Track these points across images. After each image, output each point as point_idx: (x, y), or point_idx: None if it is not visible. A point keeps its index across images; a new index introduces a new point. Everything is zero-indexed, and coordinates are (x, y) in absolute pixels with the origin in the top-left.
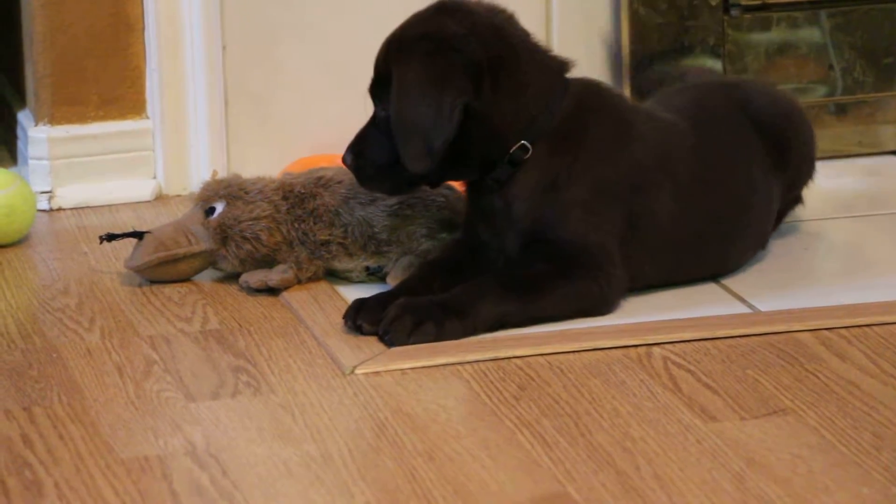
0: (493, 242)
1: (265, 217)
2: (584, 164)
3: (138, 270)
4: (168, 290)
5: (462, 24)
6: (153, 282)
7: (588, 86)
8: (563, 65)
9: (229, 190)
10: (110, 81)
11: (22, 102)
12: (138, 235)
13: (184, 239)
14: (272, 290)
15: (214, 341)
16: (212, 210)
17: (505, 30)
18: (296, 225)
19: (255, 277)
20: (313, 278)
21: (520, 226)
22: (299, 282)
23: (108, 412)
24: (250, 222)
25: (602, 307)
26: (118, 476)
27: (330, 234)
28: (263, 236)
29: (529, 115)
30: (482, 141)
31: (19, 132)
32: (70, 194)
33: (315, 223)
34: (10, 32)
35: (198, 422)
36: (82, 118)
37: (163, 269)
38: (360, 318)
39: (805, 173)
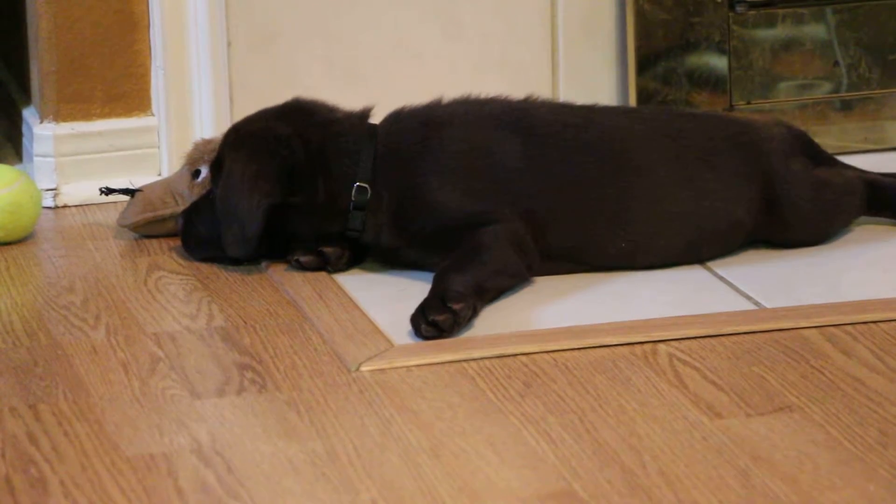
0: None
1: None
2: (412, 170)
3: (128, 227)
4: (174, 286)
5: (293, 124)
6: (145, 236)
7: (393, 116)
8: (363, 115)
9: (214, 155)
10: (115, 78)
11: (27, 99)
12: (130, 193)
13: (171, 199)
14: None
15: (220, 338)
16: (198, 173)
17: (322, 120)
18: None
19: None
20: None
21: (400, 238)
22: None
23: (113, 410)
24: None
25: (521, 242)
26: (124, 473)
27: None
28: None
29: (350, 178)
30: (318, 218)
31: (24, 129)
32: (75, 191)
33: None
34: (16, 29)
35: (203, 419)
36: (87, 115)
37: (150, 227)
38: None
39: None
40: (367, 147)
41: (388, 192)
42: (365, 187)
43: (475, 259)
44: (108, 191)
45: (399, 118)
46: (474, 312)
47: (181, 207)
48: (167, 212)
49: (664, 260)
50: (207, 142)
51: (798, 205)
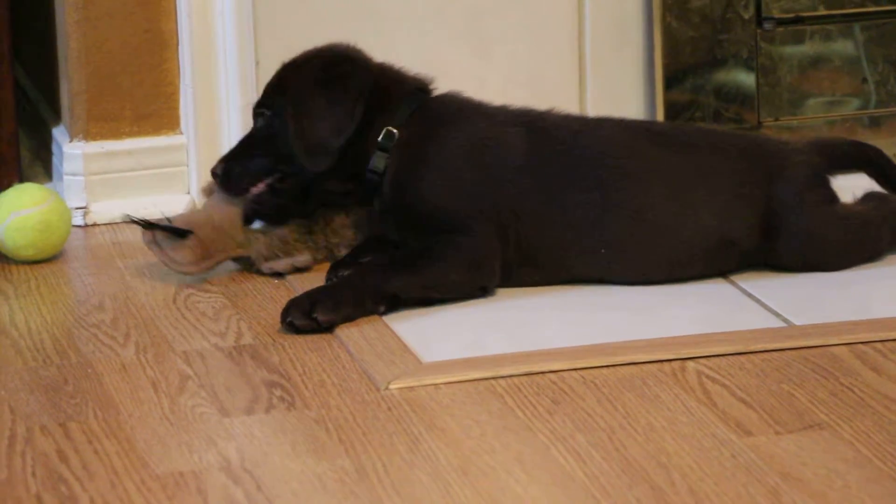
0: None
1: (304, 234)
2: (435, 139)
3: (182, 273)
4: (202, 304)
5: (346, 48)
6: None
7: (447, 92)
8: (424, 80)
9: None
10: (144, 97)
11: (57, 118)
12: (180, 234)
13: (223, 243)
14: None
15: (248, 356)
16: (248, 218)
17: (373, 58)
18: (317, 231)
19: (280, 264)
20: (324, 260)
21: (391, 198)
22: (315, 262)
23: (143, 427)
24: (294, 243)
25: (482, 264)
26: (153, 491)
27: (342, 237)
28: (297, 253)
29: (392, 114)
30: (356, 142)
31: (54, 148)
32: (105, 210)
33: (327, 225)
34: (46, 49)
35: (232, 437)
36: (117, 134)
37: (207, 270)
38: (291, 316)
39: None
40: (411, 103)
41: (406, 151)
42: (394, 132)
43: (414, 265)
44: (148, 225)
45: (448, 95)
46: (370, 312)
47: (234, 251)
48: (223, 256)
49: (644, 274)
50: None
51: (803, 235)
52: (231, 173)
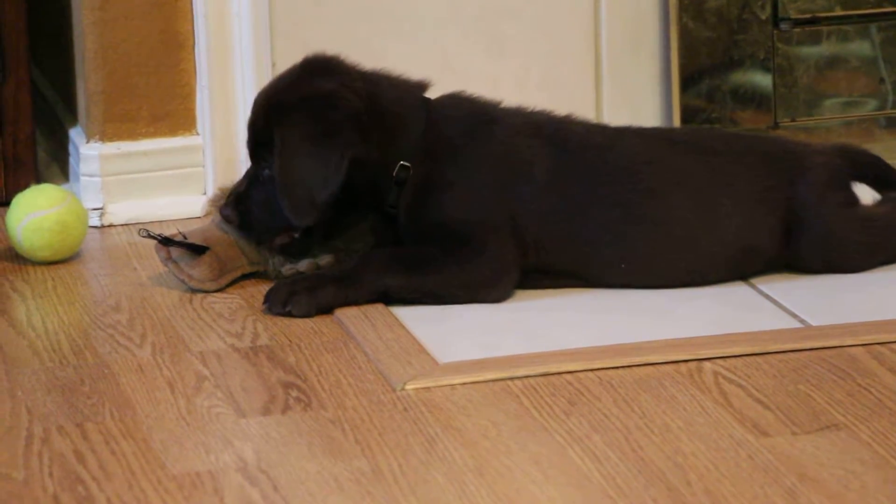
0: None
1: (323, 246)
2: (451, 159)
3: (200, 290)
4: (218, 305)
5: (332, 79)
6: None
7: (450, 97)
8: (420, 87)
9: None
10: (161, 98)
11: (73, 119)
12: (198, 250)
13: (239, 260)
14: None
15: (265, 357)
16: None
17: (367, 74)
18: (336, 240)
19: (303, 265)
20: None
21: (407, 224)
22: (338, 262)
23: (159, 428)
24: (311, 262)
25: (489, 284)
26: (170, 492)
27: (363, 242)
28: (317, 261)
29: (401, 142)
30: (369, 181)
31: (71, 149)
32: (121, 211)
33: (349, 234)
34: (63, 50)
35: (248, 437)
36: (133, 135)
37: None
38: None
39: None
40: (418, 123)
41: (420, 177)
42: (408, 166)
43: (416, 270)
44: (167, 241)
45: (454, 102)
46: (352, 303)
47: (249, 268)
48: (239, 272)
49: (664, 283)
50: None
51: (825, 237)
52: (251, 224)
